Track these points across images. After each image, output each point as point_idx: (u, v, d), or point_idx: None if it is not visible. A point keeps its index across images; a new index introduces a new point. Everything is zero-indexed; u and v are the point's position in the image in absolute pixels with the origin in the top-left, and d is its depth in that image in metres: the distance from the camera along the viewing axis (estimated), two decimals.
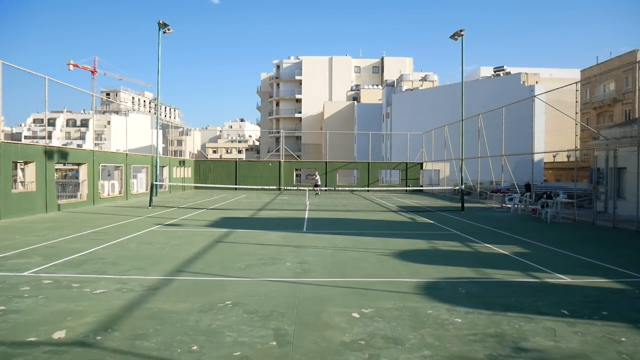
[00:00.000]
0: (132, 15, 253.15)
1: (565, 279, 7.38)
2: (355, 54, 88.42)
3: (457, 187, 27.55)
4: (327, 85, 71.60)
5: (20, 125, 78.44)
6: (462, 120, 24.59)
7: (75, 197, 21.31)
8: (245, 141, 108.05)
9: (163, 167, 30.21)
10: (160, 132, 30.61)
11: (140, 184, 27.61)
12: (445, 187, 31.93)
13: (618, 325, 5.10)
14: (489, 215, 18.43)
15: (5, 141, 15.27)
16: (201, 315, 5.26)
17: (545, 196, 17.88)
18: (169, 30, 26.80)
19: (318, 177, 34.04)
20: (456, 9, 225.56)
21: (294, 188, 34.94)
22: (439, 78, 60.09)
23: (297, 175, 43.63)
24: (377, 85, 68.35)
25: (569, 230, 13.99)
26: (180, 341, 4.46)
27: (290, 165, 38.51)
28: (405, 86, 53.27)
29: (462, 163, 24.86)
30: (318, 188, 32.50)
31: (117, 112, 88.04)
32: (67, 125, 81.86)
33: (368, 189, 33.84)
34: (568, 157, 44.34)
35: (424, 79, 56.53)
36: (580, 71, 45.19)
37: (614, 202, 16.51)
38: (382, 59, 73.82)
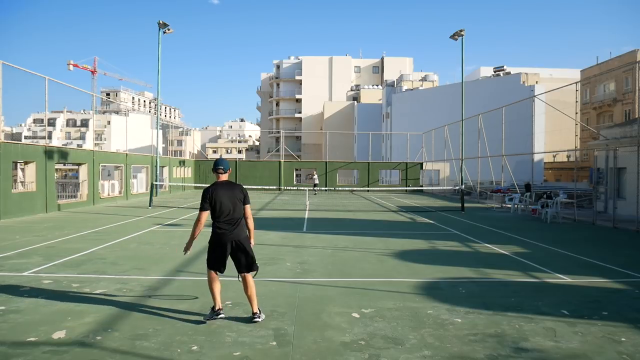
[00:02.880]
0: (132, 15, 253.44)
1: (565, 279, 7.38)
2: (355, 54, 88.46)
3: (457, 187, 27.55)
4: (327, 85, 71.61)
5: (20, 125, 78.40)
6: (462, 120, 24.58)
7: (75, 197, 21.32)
8: (245, 141, 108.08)
9: (163, 167, 30.22)
10: (160, 132, 30.62)
11: (140, 184, 27.62)
12: (445, 187, 31.93)
13: (618, 325, 5.10)
14: (489, 215, 18.43)
15: (5, 141, 15.27)
16: (201, 315, 5.26)
17: (545, 196, 17.88)
18: (169, 30, 26.80)
19: (316, 177, 34.07)
20: (456, 9, 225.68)
21: (294, 188, 34.94)
22: (439, 78, 60.16)
23: (297, 175, 43.62)
24: (377, 85, 68.36)
25: (569, 230, 13.99)
26: (180, 341, 4.47)
27: (290, 165, 38.52)
28: (405, 86, 53.29)
29: (462, 163, 24.86)
30: (317, 188, 32.59)
31: (117, 112, 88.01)
32: (67, 125, 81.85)
33: (368, 189, 33.85)
34: (568, 157, 44.34)
35: (424, 79, 56.55)
36: (580, 71, 45.21)
37: (614, 202, 16.52)
38: (382, 59, 73.82)
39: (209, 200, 4.99)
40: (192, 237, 5.08)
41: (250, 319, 5.05)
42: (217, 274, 5.10)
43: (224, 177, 5.20)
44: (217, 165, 5.19)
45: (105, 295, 6.07)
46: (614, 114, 39.93)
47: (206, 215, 5.03)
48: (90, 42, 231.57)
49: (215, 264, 5.06)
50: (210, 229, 5.12)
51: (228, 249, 5.03)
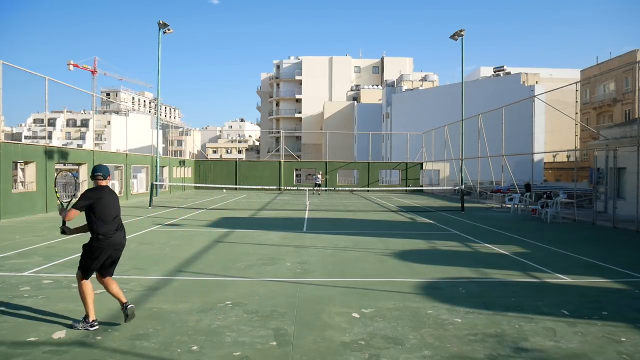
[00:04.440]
0: (132, 15, 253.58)
1: (565, 279, 7.38)
2: (355, 54, 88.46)
3: (457, 187, 27.56)
4: (327, 85, 71.60)
5: (21, 125, 78.36)
6: (462, 120, 24.59)
7: (75, 197, 21.26)
8: (245, 141, 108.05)
9: (163, 167, 30.21)
10: (160, 132, 30.61)
11: (140, 184, 27.62)
12: (445, 187, 31.93)
13: (618, 325, 5.11)
14: (489, 215, 18.43)
15: (6, 141, 15.27)
16: (201, 315, 5.26)
17: (545, 196, 17.88)
18: (169, 30, 26.80)
19: (318, 176, 34.03)
20: (456, 9, 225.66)
21: (294, 188, 34.95)
22: (439, 78, 60.14)
23: (297, 175, 43.60)
24: (377, 86, 68.35)
25: (569, 230, 13.99)
26: (180, 341, 4.47)
27: (290, 165, 38.52)
28: (405, 86, 53.27)
29: (462, 163, 24.86)
30: (318, 188, 32.61)
31: (117, 112, 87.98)
32: (67, 125, 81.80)
33: (368, 189, 33.84)
34: (568, 157, 44.34)
35: (424, 79, 56.53)
36: (580, 71, 45.20)
37: (613, 202, 16.52)
38: (382, 59, 73.81)
39: (92, 201, 4.79)
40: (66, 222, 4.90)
41: (124, 308, 4.89)
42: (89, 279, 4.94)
43: (104, 183, 5.06)
44: (97, 171, 5.02)
45: (105, 295, 6.05)
46: (613, 114, 39.92)
47: (76, 214, 4.83)
48: (90, 42, 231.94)
49: (92, 270, 4.91)
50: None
51: (110, 253, 4.93)
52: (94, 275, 5.02)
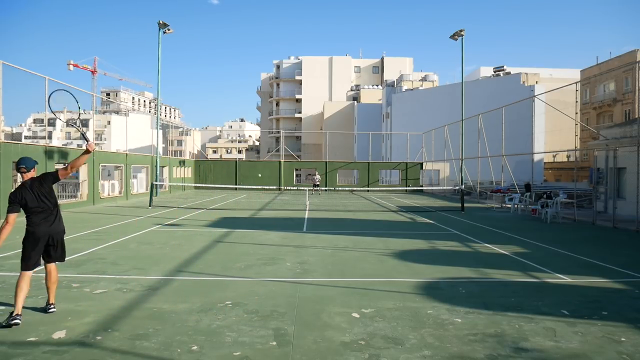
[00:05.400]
0: (132, 15, 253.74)
1: (565, 279, 7.38)
2: (355, 54, 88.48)
3: (457, 187, 27.56)
4: (327, 85, 71.59)
5: (21, 125, 78.43)
6: (462, 120, 24.59)
7: (75, 197, 21.29)
8: (245, 141, 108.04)
9: (163, 167, 30.21)
10: (160, 132, 30.61)
11: (140, 184, 27.61)
12: (445, 187, 31.93)
13: (618, 325, 5.10)
14: (489, 215, 18.43)
15: (6, 141, 15.27)
16: (201, 315, 5.26)
17: (545, 196, 17.88)
18: (169, 30, 26.81)
19: (317, 176, 34.01)
20: (456, 9, 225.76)
21: (294, 188, 34.94)
22: (439, 78, 60.14)
23: (297, 175, 43.60)
24: (377, 85, 68.35)
25: (569, 230, 13.99)
26: (180, 341, 4.46)
27: (290, 165, 38.51)
28: (405, 86, 53.26)
29: (462, 163, 24.86)
30: (318, 188, 32.63)
31: (117, 112, 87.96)
32: (67, 125, 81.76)
33: (368, 189, 33.84)
34: (568, 157, 44.34)
35: (424, 79, 56.53)
36: (580, 71, 45.20)
37: (613, 202, 16.52)
38: (382, 59, 73.82)
39: (17, 202, 4.87)
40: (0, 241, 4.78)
41: (46, 309, 5.23)
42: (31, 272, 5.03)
43: (29, 175, 5.05)
44: (20, 164, 5.03)
45: (105, 295, 6.07)
46: (613, 114, 39.93)
47: (14, 218, 4.87)
48: (90, 42, 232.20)
49: (35, 262, 5.01)
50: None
51: (44, 243, 5.04)
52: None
